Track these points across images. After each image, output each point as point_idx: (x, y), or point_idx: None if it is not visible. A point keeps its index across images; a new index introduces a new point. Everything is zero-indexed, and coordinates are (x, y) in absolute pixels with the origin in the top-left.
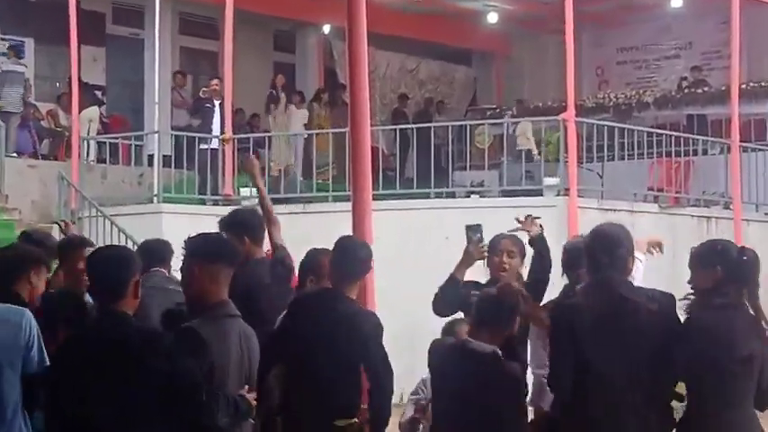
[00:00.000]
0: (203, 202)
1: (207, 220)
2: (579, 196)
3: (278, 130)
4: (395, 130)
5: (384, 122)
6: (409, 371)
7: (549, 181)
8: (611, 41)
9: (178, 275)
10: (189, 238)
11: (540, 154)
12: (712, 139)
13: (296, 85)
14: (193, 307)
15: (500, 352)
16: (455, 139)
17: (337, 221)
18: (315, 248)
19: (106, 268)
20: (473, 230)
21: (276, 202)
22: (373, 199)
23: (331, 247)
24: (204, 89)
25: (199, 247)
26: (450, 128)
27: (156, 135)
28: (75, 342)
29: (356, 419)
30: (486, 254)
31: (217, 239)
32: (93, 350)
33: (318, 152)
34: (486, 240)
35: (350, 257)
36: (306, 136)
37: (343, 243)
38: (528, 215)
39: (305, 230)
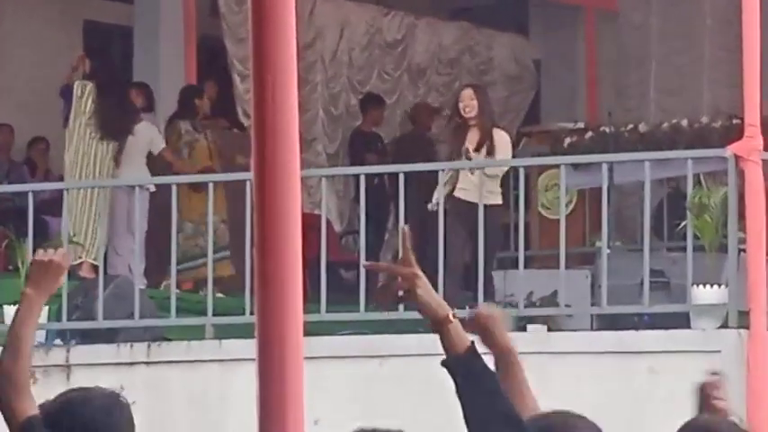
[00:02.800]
0: None
1: None
2: None
3: (87, 172)
4: (356, 177)
5: (333, 158)
6: None
7: (704, 294)
8: None
9: None
10: None
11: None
12: None
13: (133, 74)
14: None
15: None
16: None
17: (226, 381)
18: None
19: None
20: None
21: (85, 337)
22: (307, 334)
23: None
24: None
25: None
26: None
27: None
28: None
29: None
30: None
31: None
32: None
33: (185, 224)
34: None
35: None
36: (152, 189)
37: None
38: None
39: (157, 401)
